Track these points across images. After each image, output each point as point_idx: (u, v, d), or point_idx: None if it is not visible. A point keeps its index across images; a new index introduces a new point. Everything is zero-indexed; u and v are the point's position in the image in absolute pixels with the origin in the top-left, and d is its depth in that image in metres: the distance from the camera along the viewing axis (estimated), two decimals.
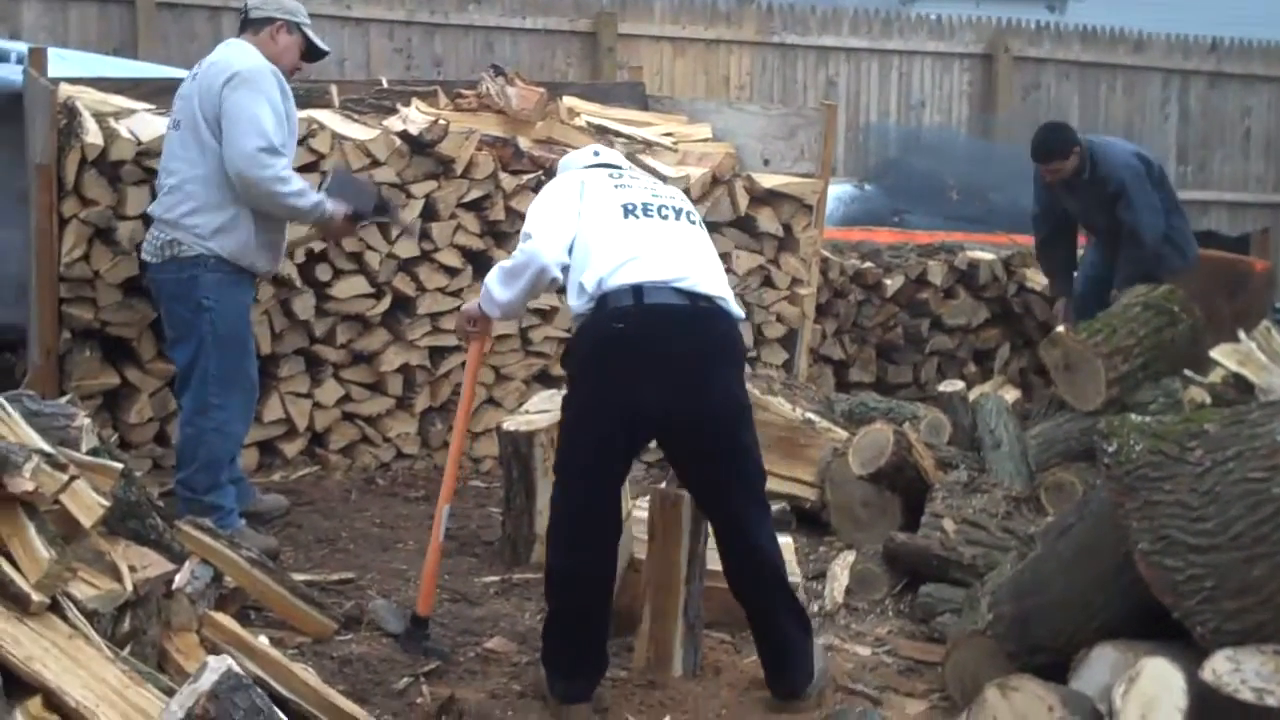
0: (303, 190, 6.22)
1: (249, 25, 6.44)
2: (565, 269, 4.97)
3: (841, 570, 6.28)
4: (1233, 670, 4.01)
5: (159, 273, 6.30)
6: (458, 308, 6.62)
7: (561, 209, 5.06)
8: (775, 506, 6.62)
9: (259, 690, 3.39)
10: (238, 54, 6.28)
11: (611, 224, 4.95)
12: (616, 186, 5.10)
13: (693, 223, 5.09)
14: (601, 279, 4.81)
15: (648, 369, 4.76)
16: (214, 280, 6.18)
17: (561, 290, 5.13)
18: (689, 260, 4.92)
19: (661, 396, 4.76)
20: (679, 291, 4.81)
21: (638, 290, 4.78)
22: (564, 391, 5.16)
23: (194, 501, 6.20)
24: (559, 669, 4.94)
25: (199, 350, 6.24)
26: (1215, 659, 4.05)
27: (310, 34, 6.52)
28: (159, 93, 7.78)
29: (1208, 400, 6.45)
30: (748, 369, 7.98)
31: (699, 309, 4.85)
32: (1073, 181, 8.72)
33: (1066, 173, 8.69)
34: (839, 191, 11.47)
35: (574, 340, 5.07)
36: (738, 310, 5.01)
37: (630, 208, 4.99)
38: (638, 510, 5.67)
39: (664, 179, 7.20)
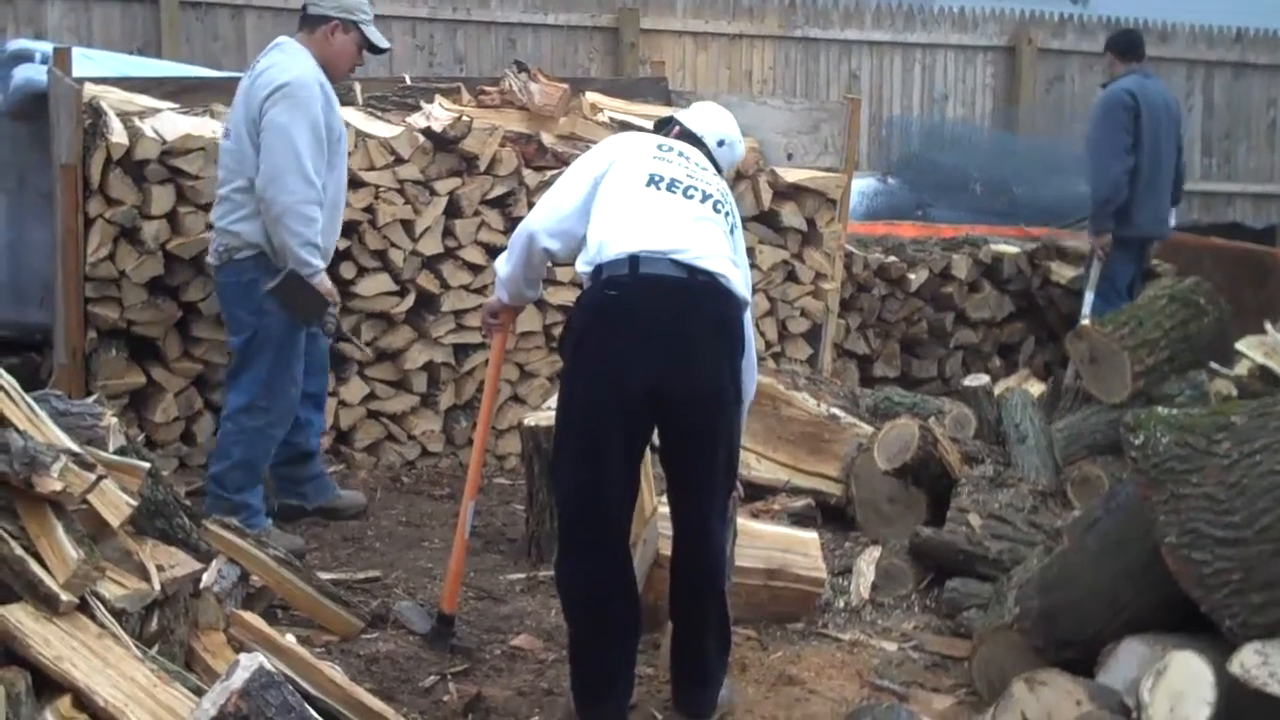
0: (309, 240, 6.14)
1: (306, 22, 6.44)
2: (562, 238, 4.93)
3: (867, 566, 6.26)
4: (1261, 663, 4.02)
5: (221, 275, 6.42)
6: (481, 305, 6.62)
7: (570, 179, 5.03)
8: (800, 502, 6.71)
9: (290, 687, 3.40)
10: (286, 63, 6.26)
11: (629, 193, 4.84)
12: (654, 159, 4.96)
13: (718, 211, 4.89)
14: (602, 245, 4.72)
15: (638, 340, 4.62)
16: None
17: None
18: (693, 236, 4.74)
19: (650, 368, 4.60)
20: (676, 263, 4.66)
21: (634, 259, 4.65)
22: None
23: (222, 499, 6.24)
24: (589, 694, 4.77)
25: (254, 351, 6.30)
26: (1243, 652, 4.05)
27: (368, 31, 6.48)
28: (183, 92, 7.81)
29: (1234, 392, 6.45)
30: (773, 364, 8.03)
31: (696, 282, 4.67)
32: None
33: (1106, 73, 9.60)
34: (862, 185, 11.46)
35: (570, 314, 5.01)
36: (741, 291, 4.81)
37: (656, 179, 4.86)
38: (663, 506, 5.65)
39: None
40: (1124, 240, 9.26)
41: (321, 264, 6.25)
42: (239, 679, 3.27)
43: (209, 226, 6.61)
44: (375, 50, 6.63)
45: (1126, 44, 9.68)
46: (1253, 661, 4.02)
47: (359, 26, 6.44)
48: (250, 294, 6.24)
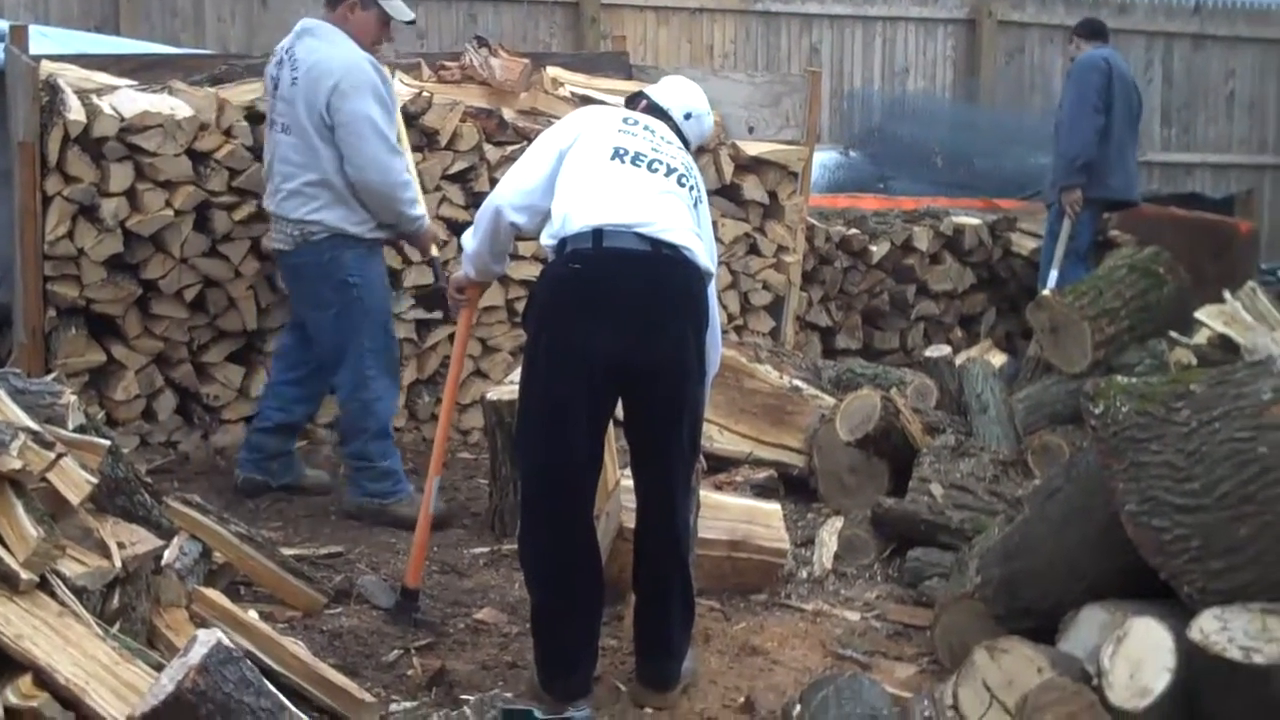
0: (415, 199, 6.48)
1: (328, 1, 6.53)
2: (528, 212, 4.93)
3: (829, 536, 6.29)
4: (1220, 629, 4.04)
5: (296, 258, 6.52)
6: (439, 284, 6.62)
7: (535, 154, 5.03)
8: (763, 474, 6.72)
9: (249, 663, 3.39)
10: (330, 52, 6.37)
11: (593, 167, 4.83)
12: (619, 132, 4.95)
13: (682, 185, 4.88)
14: (566, 218, 4.72)
15: (602, 312, 4.62)
16: (354, 257, 6.43)
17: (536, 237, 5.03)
18: (657, 209, 4.74)
19: (615, 341, 4.60)
20: (641, 236, 4.66)
21: (598, 233, 4.65)
22: None
23: (370, 469, 6.53)
24: (553, 667, 4.77)
25: (351, 327, 6.44)
26: (1203, 618, 4.07)
27: (387, 5, 6.52)
28: (141, 69, 7.75)
29: (1194, 361, 6.49)
30: (736, 337, 8.04)
31: (660, 255, 4.68)
32: None
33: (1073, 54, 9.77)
34: (824, 158, 11.47)
35: (533, 287, 5.00)
36: (705, 264, 4.80)
37: (620, 152, 4.86)
38: (626, 479, 5.65)
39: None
40: (1091, 201, 9.32)
41: (425, 215, 6.63)
42: (196, 655, 3.26)
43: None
44: (399, 22, 6.69)
45: (1092, 30, 9.83)
46: (1212, 627, 4.05)
47: (377, 2, 6.49)
48: (331, 271, 6.42)
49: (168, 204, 6.90)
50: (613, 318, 4.64)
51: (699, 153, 7.89)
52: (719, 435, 6.98)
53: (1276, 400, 4.18)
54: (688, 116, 5.26)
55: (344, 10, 6.45)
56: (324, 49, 6.37)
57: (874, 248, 9.41)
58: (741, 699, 4.90)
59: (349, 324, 6.44)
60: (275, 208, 6.52)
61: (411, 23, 6.79)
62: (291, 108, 6.38)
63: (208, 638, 3.31)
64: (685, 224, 4.80)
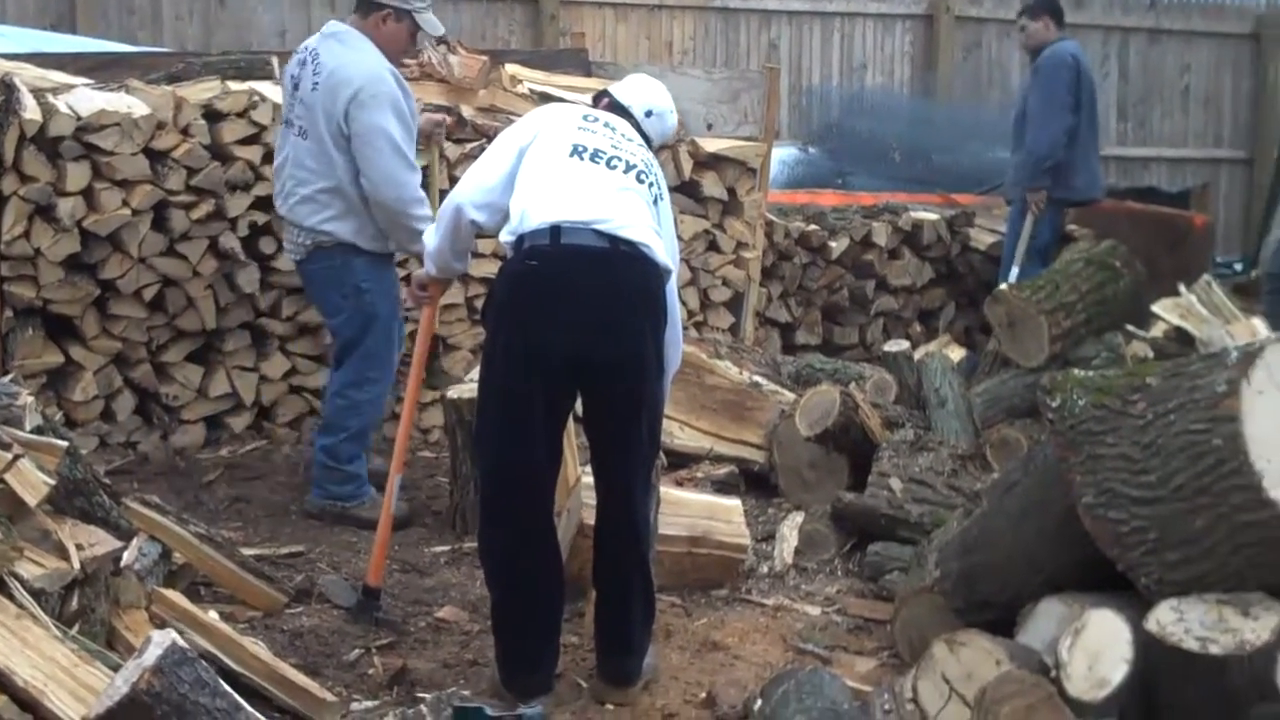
0: (427, 216, 6.30)
1: (361, 5, 6.52)
2: (488, 210, 4.92)
3: (790, 531, 6.31)
4: (1177, 620, 4.06)
5: (309, 264, 6.56)
6: (405, 277, 6.61)
7: (496, 151, 5.03)
8: (724, 469, 6.74)
9: (204, 663, 3.38)
10: (354, 59, 6.36)
11: (552, 163, 4.83)
12: (579, 129, 4.95)
13: (641, 182, 4.88)
14: (524, 215, 4.72)
15: (559, 309, 4.62)
16: (365, 263, 6.45)
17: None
18: (615, 206, 4.74)
19: (573, 338, 4.61)
20: (598, 233, 4.66)
21: (555, 230, 4.65)
22: None
23: (336, 470, 6.51)
24: (514, 665, 4.78)
25: (355, 330, 6.48)
26: (1159, 609, 4.10)
27: (421, 19, 6.52)
28: (98, 67, 7.73)
29: (1150, 354, 6.53)
30: (696, 333, 8.06)
31: (618, 252, 4.68)
32: (1035, 57, 9.53)
33: (1029, 38, 9.56)
34: (783, 155, 11.49)
35: (492, 285, 5.01)
36: (664, 261, 4.80)
37: (579, 149, 4.86)
38: (587, 476, 5.66)
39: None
40: (1055, 200, 9.34)
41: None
42: (151, 656, 3.25)
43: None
44: (431, 38, 6.79)
45: (1059, 10, 9.73)
46: (1169, 618, 4.07)
47: (411, 15, 6.49)
48: (340, 278, 6.46)
49: (125, 203, 6.86)
50: (570, 314, 4.64)
51: (660, 150, 7.97)
52: (679, 432, 7.00)
53: (1231, 393, 4.19)
54: (649, 114, 5.26)
55: (376, 19, 6.44)
56: (348, 55, 6.37)
57: (833, 243, 9.43)
58: (702, 694, 4.91)
59: (359, 327, 6.47)
60: (287, 212, 6.52)
61: (442, 36, 6.81)
62: (310, 113, 6.38)
63: (162, 639, 3.30)
64: (644, 221, 4.80)
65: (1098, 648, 4.10)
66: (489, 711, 3.27)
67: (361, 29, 6.45)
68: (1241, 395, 4.15)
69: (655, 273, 4.78)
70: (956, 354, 8.47)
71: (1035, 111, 9.36)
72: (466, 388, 6.39)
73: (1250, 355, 4.27)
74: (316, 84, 6.36)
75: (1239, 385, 4.17)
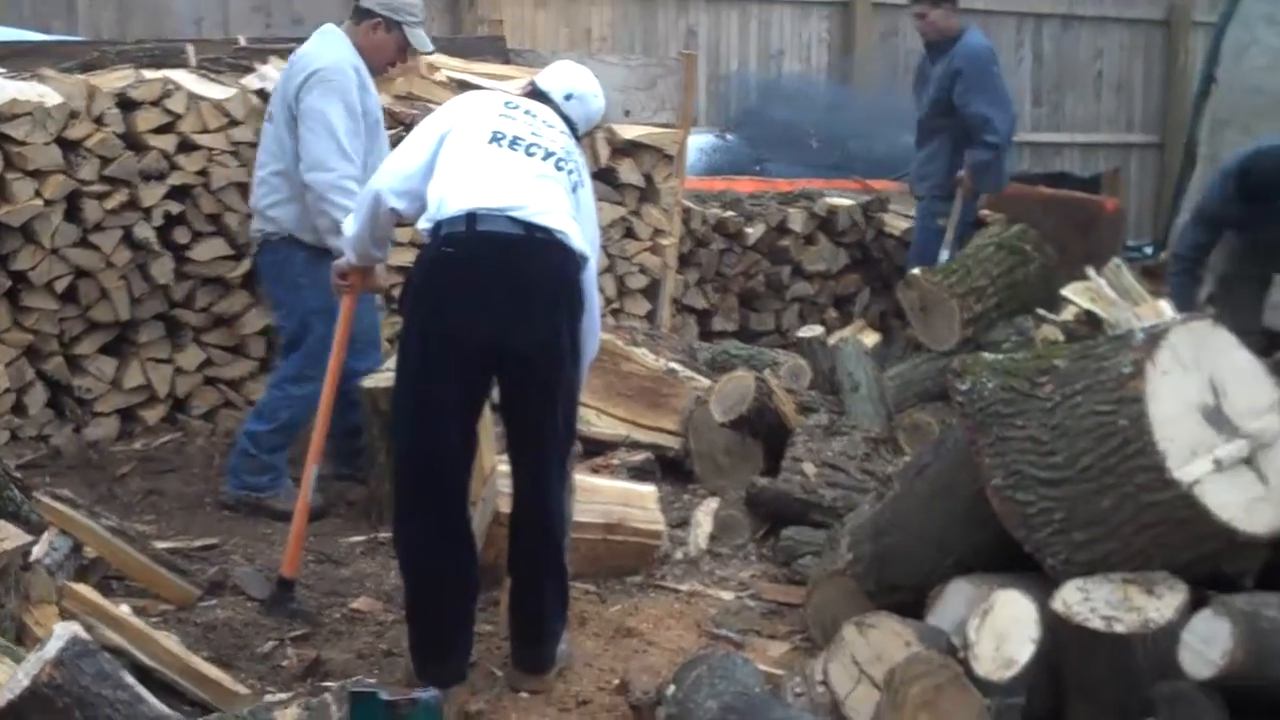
0: (346, 208, 6.02)
1: (356, 12, 6.57)
2: (408, 197, 4.90)
3: (704, 517, 6.33)
4: (1083, 599, 4.13)
5: (259, 256, 6.77)
6: None
7: (415, 139, 5.02)
8: (639, 456, 6.74)
9: (107, 655, 3.36)
10: (322, 48, 6.45)
11: (471, 150, 4.84)
12: (500, 116, 4.95)
13: (560, 169, 4.89)
14: (441, 202, 4.72)
15: (474, 296, 4.62)
16: (304, 259, 6.44)
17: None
18: (532, 193, 4.75)
19: (487, 325, 4.61)
20: (514, 220, 4.66)
21: (471, 216, 4.66)
22: None
23: (254, 460, 6.51)
24: (427, 654, 4.78)
25: (300, 325, 6.49)
26: (1066, 589, 4.16)
27: (411, 34, 6.56)
28: (11, 55, 7.67)
29: (1061, 337, 6.59)
30: (612, 320, 8.07)
31: (534, 239, 4.69)
32: (937, 50, 9.23)
33: (930, 26, 9.23)
34: (701, 142, 11.50)
35: (409, 273, 5.00)
36: (581, 248, 4.80)
37: (499, 136, 4.86)
38: (503, 464, 5.65)
39: None
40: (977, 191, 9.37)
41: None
42: (52, 648, 3.22)
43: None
44: (418, 51, 6.81)
45: None
46: (1075, 598, 4.14)
47: (401, 27, 6.52)
48: (284, 273, 6.51)
49: (37, 193, 6.79)
50: (485, 301, 4.64)
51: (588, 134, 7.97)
52: (596, 419, 7.00)
53: (1136, 374, 4.25)
54: (569, 97, 5.24)
55: (367, 27, 6.50)
56: (318, 47, 6.46)
57: (749, 230, 9.45)
58: (616, 681, 4.92)
59: (299, 323, 6.50)
60: (252, 200, 6.63)
61: (430, 53, 6.91)
62: (275, 96, 6.52)
63: (64, 631, 3.28)
64: (561, 208, 4.81)
65: (1005, 628, 4.15)
66: (383, 696, 3.27)
67: (351, 33, 6.51)
68: (1146, 376, 4.22)
69: (571, 260, 4.78)
70: (871, 339, 8.52)
71: (979, 110, 9.10)
72: (382, 377, 6.37)
73: (1155, 337, 4.35)
74: (285, 70, 6.51)
75: (1144, 366, 4.24)
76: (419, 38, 6.60)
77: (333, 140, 6.27)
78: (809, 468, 6.22)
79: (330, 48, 6.43)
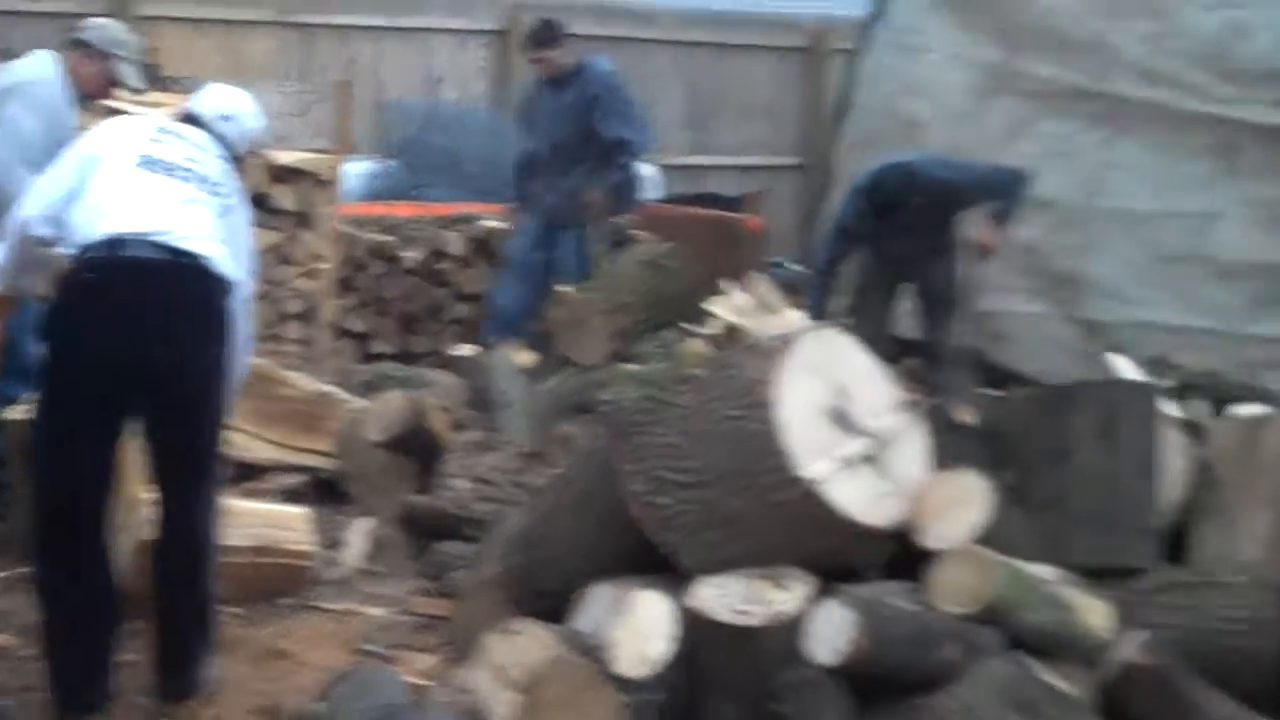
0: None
1: (70, 40, 6.57)
2: (53, 224, 4.77)
3: (358, 536, 6.31)
4: (718, 596, 4.27)
5: None
6: None
7: (62, 165, 4.90)
8: (294, 479, 6.71)
9: None
10: (29, 65, 6.43)
11: (118, 176, 4.75)
12: (150, 141, 4.87)
13: (213, 194, 4.85)
14: (85, 228, 4.64)
15: (115, 322, 4.55)
16: None
17: None
18: (178, 218, 4.70)
19: (128, 351, 4.55)
20: (158, 245, 4.60)
21: (114, 242, 4.58)
22: None
23: None
24: (65, 688, 4.67)
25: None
26: (701, 587, 4.30)
27: (119, 69, 6.55)
28: None
29: (704, 350, 6.79)
30: (268, 345, 7.99)
31: (178, 264, 4.63)
32: (557, 83, 9.21)
33: (552, 67, 9.23)
34: (362, 168, 11.46)
35: (50, 300, 4.87)
36: (227, 273, 4.77)
37: (148, 161, 4.79)
38: (146, 492, 5.55)
39: None
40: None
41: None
42: None
43: None
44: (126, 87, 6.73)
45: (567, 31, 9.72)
46: (710, 595, 4.28)
47: (110, 59, 6.52)
48: None
49: None
50: (127, 327, 4.57)
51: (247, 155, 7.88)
52: (250, 443, 6.92)
53: (763, 379, 4.42)
54: (225, 119, 5.20)
55: (81, 55, 6.51)
56: (21, 64, 6.47)
57: (407, 254, 9.50)
58: (266, 703, 4.88)
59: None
60: None
61: (140, 91, 6.86)
62: None
63: None
64: (207, 233, 4.76)
65: (644, 627, 4.28)
66: None
67: (66, 59, 6.52)
68: (774, 382, 4.39)
69: (218, 284, 4.74)
70: (526, 357, 8.61)
71: (617, 133, 9.11)
72: (24, 408, 6.19)
73: (784, 343, 4.53)
74: None
75: (773, 373, 4.41)
76: (127, 74, 6.63)
77: (18, 151, 6.20)
78: (461, 483, 6.27)
79: (34, 67, 6.43)
